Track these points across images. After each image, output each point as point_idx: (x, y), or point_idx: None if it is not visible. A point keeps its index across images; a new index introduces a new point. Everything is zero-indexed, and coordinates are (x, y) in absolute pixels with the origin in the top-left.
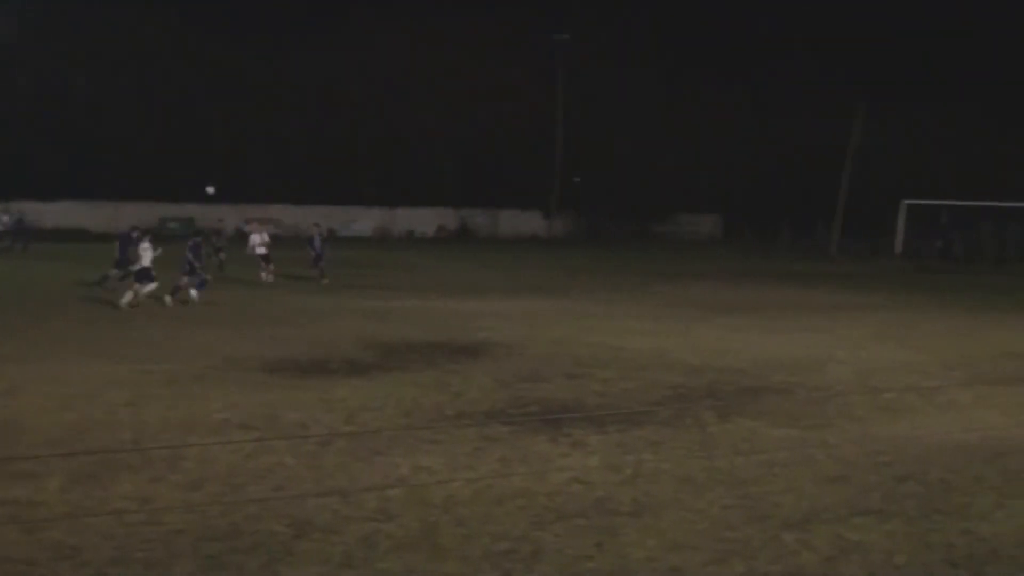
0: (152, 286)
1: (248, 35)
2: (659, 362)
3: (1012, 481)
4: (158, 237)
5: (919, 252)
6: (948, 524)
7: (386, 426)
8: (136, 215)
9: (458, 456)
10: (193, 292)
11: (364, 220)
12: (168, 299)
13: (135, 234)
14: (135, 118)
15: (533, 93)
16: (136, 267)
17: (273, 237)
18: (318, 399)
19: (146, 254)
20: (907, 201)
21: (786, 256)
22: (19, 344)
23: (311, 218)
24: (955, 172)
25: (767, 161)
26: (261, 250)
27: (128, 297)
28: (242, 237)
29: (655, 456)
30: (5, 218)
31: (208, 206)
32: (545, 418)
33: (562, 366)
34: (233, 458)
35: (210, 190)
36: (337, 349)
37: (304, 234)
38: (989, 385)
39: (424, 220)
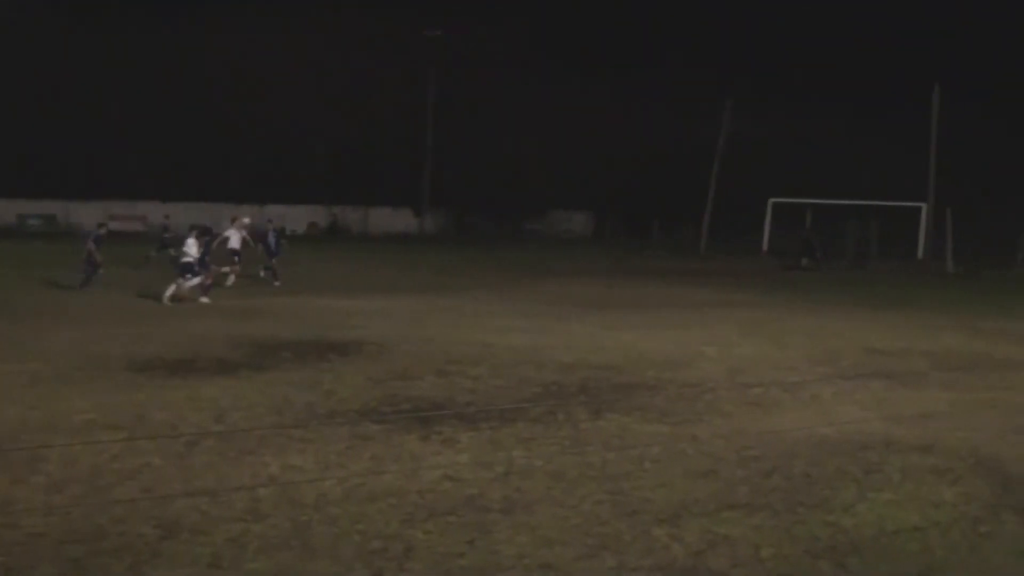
0: (195, 281)
1: (111, 22)
2: (531, 359)
3: (872, 474)
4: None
5: (785, 250)
6: (812, 517)
7: (256, 425)
8: None
9: (329, 455)
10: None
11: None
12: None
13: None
14: None
15: (405, 89)
16: (182, 260)
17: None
18: (186, 398)
19: (191, 248)
20: (774, 199)
21: (657, 253)
22: None
23: (179, 215)
24: (821, 170)
25: (638, 159)
26: (235, 245)
27: (171, 290)
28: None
29: (527, 453)
30: None
31: (71, 203)
32: (417, 416)
33: (434, 364)
34: (98, 459)
35: None
36: (207, 348)
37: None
38: (850, 380)
39: (295, 217)
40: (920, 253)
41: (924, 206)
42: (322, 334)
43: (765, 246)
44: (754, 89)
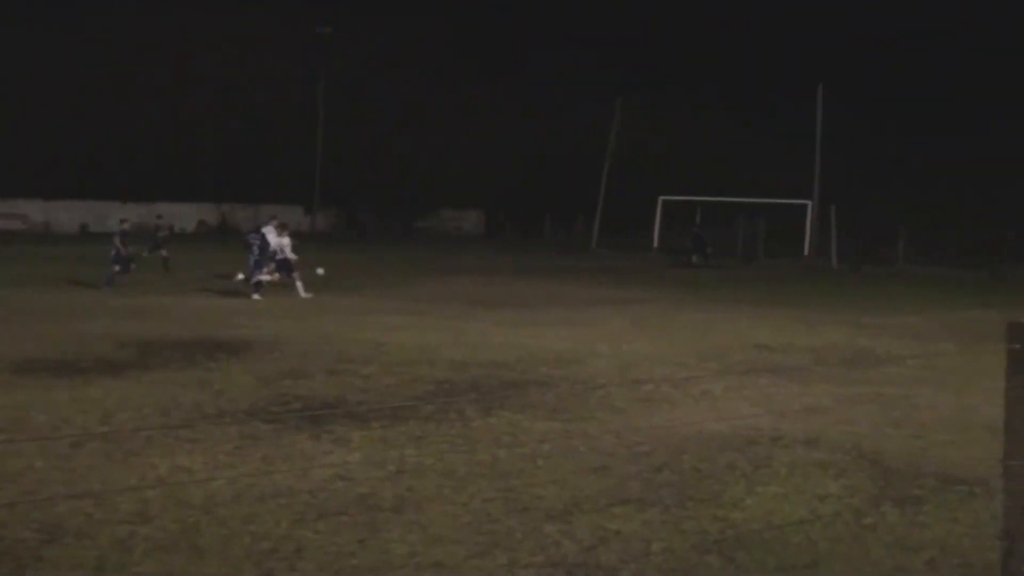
0: (284, 277)
1: None
2: (423, 358)
3: (761, 469)
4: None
5: (675, 247)
6: (701, 511)
7: (143, 426)
8: None
9: (218, 455)
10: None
11: (120, 216)
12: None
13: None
14: None
15: (296, 86)
16: (280, 257)
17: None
18: (70, 399)
19: (286, 247)
20: (664, 197)
21: (548, 251)
22: None
23: (60, 214)
24: (711, 168)
25: (530, 157)
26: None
27: (300, 287)
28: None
29: (418, 451)
30: None
31: None
32: (308, 415)
33: (324, 362)
34: None
35: None
36: (91, 347)
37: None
38: (739, 376)
39: (184, 215)
40: (806, 250)
41: (809, 204)
42: (211, 333)
43: (656, 243)
44: (644, 87)
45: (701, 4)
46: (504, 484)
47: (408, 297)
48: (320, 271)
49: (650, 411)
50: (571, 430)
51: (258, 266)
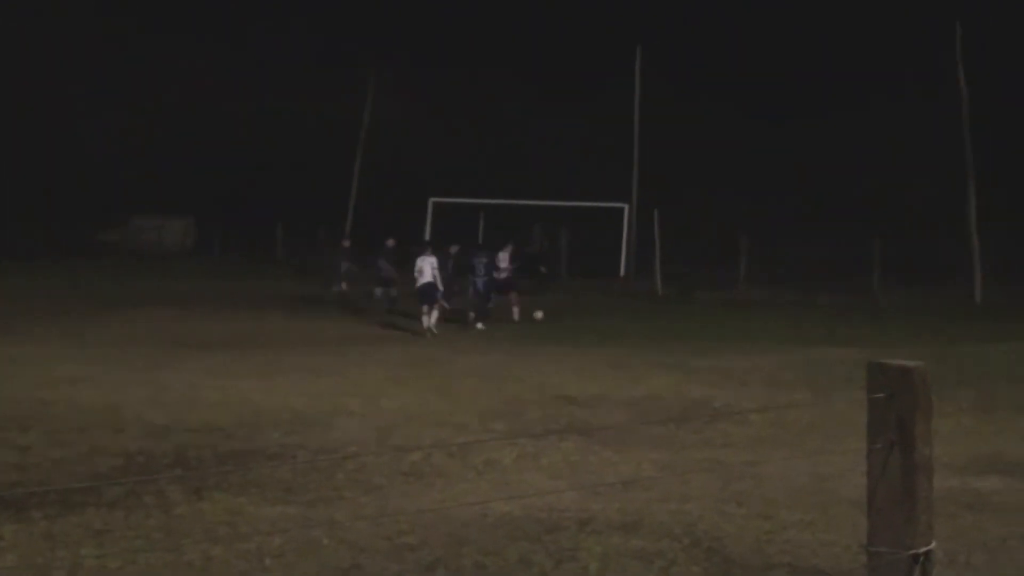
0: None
1: None
2: (106, 420)
3: (565, 564)
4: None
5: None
6: None
7: None
8: None
9: None
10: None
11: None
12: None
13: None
14: None
15: None
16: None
17: None
18: None
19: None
20: (435, 199)
21: (282, 271)
22: None
23: None
24: (499, 160)
25: (258, 146)
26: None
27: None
28: None
29: (99, 550)
30: None
31: None
32: None
33: None
34: None
35: None
36: None
37: None
38: (536, 439)
39: None
40: (622, 269)
41: (626, 207)
42: None
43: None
44: (403, 61)
45: None
46: None
47: (86, 337)
48: None
49: (418, 489)
50: (312, 517)
51: None
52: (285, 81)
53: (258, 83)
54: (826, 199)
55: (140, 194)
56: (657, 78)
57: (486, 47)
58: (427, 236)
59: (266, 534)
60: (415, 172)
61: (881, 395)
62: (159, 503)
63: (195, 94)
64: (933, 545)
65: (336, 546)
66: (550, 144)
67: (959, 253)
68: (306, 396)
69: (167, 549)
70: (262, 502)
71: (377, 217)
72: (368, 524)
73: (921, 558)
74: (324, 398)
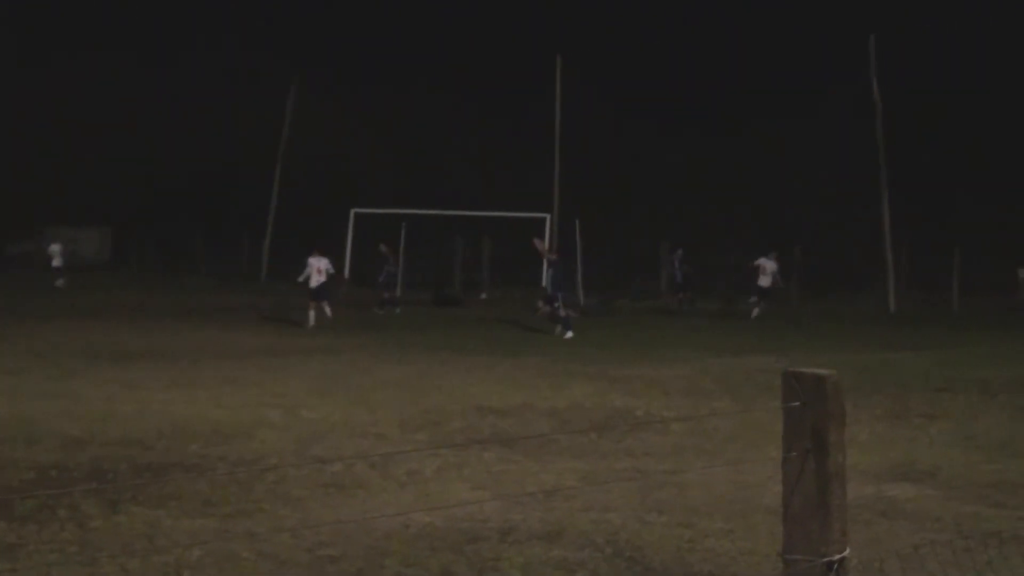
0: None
1: None
2: (19, 434)
3: (486, 573)
4: None
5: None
6: None
7: None
8: None
9: None
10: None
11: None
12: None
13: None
14: None
15: None
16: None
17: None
18: None
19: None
20: (356, 210)
21: (202, 283)
22: None
23: None
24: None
25: (177, 158)
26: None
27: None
28: None
29: (11, 565)
30: None
31: None
32: None
33: None
34: None
35: None
36: None
37: None
38: (457, 450)
39: None
40: (544, 279)
41: (548, 217)
42: None
43: (347, 272)
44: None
45: None
46: None
47: None
48: None
49: (339, 500)
50: (231, 529)
51: None
52: (205, 91)
53: (178, 93)
54: (745, 210)
55: (54, 205)
56: (577, 88)
57: (408, 57)
58: (348, 247)
59: (184, 547)
60: (336, 183)
61: (796, 404)
62: (74, 516)
63: (112, 104)
64: (847, 552)
65: (256, 559)
66: (472, 154)
67: (874, 263)
68: (225, 408)
69: (82, 563)
70: (180, 515)
71: (299, 227)
72: (288, 536)
73: (836, 565)
74: (244, 409)
